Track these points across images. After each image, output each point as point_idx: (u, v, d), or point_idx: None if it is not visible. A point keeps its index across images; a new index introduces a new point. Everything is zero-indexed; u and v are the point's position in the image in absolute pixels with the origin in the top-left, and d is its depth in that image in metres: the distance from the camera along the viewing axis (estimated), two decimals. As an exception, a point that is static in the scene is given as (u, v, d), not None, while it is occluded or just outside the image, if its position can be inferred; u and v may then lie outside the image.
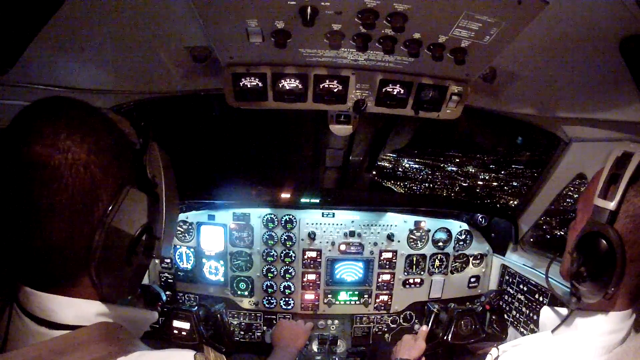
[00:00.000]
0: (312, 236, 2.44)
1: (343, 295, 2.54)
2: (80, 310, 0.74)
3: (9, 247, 0.72)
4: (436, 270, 2.59)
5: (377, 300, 2.56)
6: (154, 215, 0.80)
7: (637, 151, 0.95)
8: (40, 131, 0.66)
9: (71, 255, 0.71)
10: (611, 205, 0.93)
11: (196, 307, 2.26)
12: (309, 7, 1.03)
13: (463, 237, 2.60)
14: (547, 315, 1.19)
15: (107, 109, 0.83)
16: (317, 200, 2.46)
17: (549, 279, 1.33)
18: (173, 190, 0.88)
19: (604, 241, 0.92)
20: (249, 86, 1.43)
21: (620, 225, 0.92)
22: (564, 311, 1.15)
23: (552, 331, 1.12)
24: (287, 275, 2.50)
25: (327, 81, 1.46)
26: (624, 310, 0.99)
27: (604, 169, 1.00)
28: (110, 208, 0.71)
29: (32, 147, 0.65)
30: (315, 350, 2.52)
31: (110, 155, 0.73)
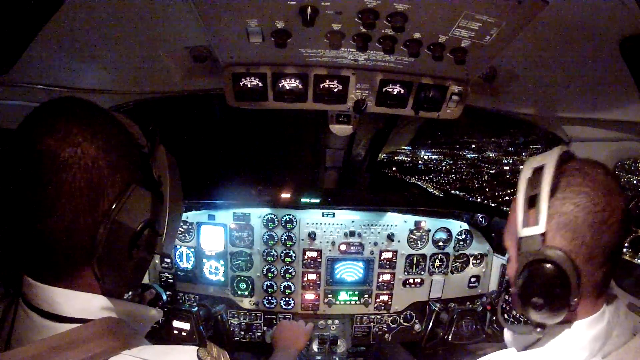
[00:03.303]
0: (312, 236, 2.44)
1: (343, 295, 2.54)
2: (85, 304, 0.75)
3: (16, 234, 0.74)
4: (436, 270, 2.59)
5: (378, 300, 2.56)
6: (157, 212, 0.82)
7: (546, 162, 0.91)
8: (53, 126, 0.69)
9: (75, 246, 0.72)
10: (539, 228, 0.87)
11: (196, 307, 2.26)
12: (309, 7, 1.03)
13: (463, 237, 2.60)
14: (512, 337, 1.08)
15: (119, 113, 0.86)
16: (317, 200, 2.46)
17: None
18: (178, 191, 0.90)
19: (549, 265, 0.86)
20: (249, 86, 1.44)
21: (558, 241, 0.87)
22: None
23: (519, 350, 1.02)
24: (287, 275, 2.50)
25: (327, 81, 1.46)
26: (594, 313, 0.92)
27: (518, 198, 0.94)
28: (115, 203, 0.73)
29: (45, 139, 0.68)
30: (316, 350, 2.52)
31: (119, 153, 0.75)
